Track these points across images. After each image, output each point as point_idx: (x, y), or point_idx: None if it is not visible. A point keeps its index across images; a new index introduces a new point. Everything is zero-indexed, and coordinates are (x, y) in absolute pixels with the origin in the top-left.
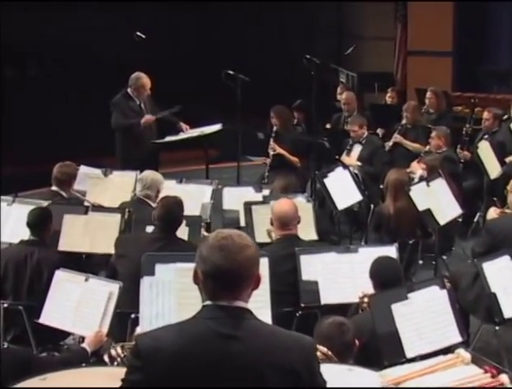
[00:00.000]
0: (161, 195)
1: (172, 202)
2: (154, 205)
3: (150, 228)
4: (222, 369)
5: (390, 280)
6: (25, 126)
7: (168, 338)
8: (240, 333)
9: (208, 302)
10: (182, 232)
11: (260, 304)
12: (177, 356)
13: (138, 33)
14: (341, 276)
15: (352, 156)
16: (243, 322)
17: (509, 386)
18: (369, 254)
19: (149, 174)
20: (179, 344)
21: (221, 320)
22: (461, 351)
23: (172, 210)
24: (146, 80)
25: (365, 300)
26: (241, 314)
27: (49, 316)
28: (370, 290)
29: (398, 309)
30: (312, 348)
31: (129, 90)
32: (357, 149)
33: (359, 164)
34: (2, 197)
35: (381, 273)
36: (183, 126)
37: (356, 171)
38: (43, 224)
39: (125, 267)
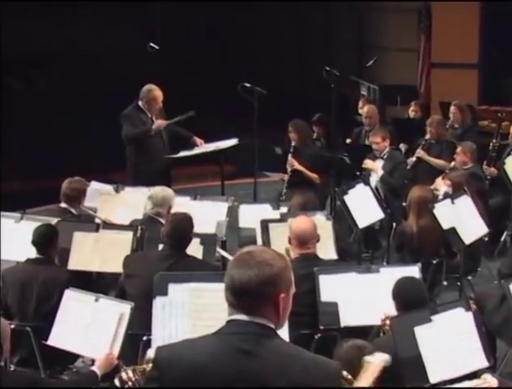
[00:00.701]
0: (174, 211)
1: (181, 218)
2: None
3: (162, 247)
4: (238, 386)
5: (414, 302)
6: (33, 139)
7: (187, 351)
8: (259, 350)
9: (231, 317)
10: (196, 251)
11: None
12: (194, 369)
13: (152, 44)
14: (362, 297)
15: (374, 177)
16: (264, 340)
17: None
18: (390, 274)
19: (159, 191)
20: (197, 357)
21: (242, 336)
22: (487, 376)
23: (181, 226)
24: (157, 93)
25: (387, 322)
26: (262, 331)
27: (58, 338)
28: (392, 312)
29: (421, 332)
30: (336, 374)
31: (140, 103)
32: (379, 164)
33: (381, 171)
34: (10, 214)
35: (404, 294)
36: (197, 140)
37: (376, 184)
38: (49, 242)
39: (134, 287)
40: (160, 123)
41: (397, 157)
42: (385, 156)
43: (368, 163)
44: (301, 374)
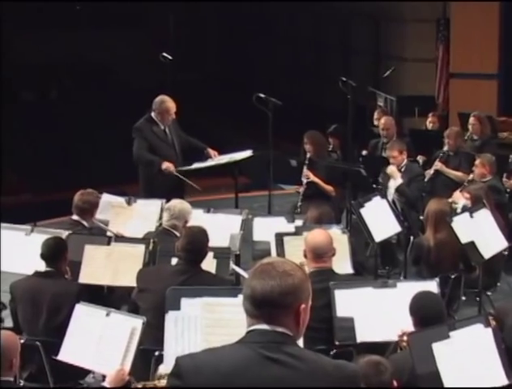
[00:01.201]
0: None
1: (196, 232)
2: None
3: (175, 261)
4: None
5: (432, 317)
6: (45, 151)
7: (209, 359)
8: (283, 357)
9: (251, 328)
10: (210, 265)
11: None
12: (219, 376)
13: (165, 54)
14: (378, 313)
15: (391, 185)
16: (286, 347)
17: None
18: (408, 289)
19: (177, 203)
20: (221, 365)
21: (264, 344)
22: None
23: (197, 240)
24: (170, 104)
25: (404, 338)
26: (283, 338)
27: (68, 352)
28: (410, 328)
29: (439, 348)
30: (356, 376)
31: (152, 114)
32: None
33: (401, 180)
34: (21, 226)
35: (422, 310)
36: (211, 152)
37: (393, 197)
38: (58, 255)
39: (147, 302)
40: (169, 166)
41: (414, 170)
42: (402, 169)
43: (391, 168)
44: (323, 377)
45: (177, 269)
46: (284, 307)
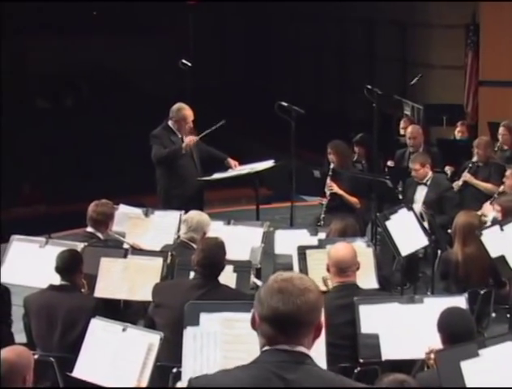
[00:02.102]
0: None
1: (213, 244)
2: None
3: (193, 274)
4: None
5: (461, 335)
6: (59, 160)
7: (224, 380)
8: (299, 377)
9: (267, 348)
10: (230, 279)
11: (315, 359)
12: None
13: (184, 61)
14: (404, 329)
15: (417, 199)
16: (303, 367)
17: None
18: (435, 304)
19: (195, 215)
20: (236, 386)
21: (281, 364)
22: None
23: (213, 253)
24: (188, 112)
25: (432, 356)
26: (302, 358)
27: (83, 369)
28: (437, 345)
29: (468, 366)
30: None
31: (170, 122)
32: (422, 192)
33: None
34: (35, 238)
35: (450, 326)
36: (231, 162)
37: (420, 209)
38: (73, 268)
39: (163, 318)
40: (190, 140)
41: (442, 183)
42: (428, 182)
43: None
44: None
45: (195, 283)
46: (309, 325)
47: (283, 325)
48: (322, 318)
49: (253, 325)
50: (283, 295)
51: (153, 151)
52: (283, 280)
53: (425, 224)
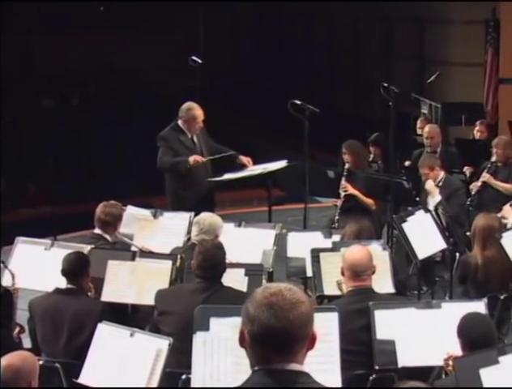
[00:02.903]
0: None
1: (210, 247)
2: None
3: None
4: None
5: (480, 341)
6: (66, 160)
7: None
8: None
9: (258, 367)
10: (241, 283)
11: (329, 365)
12: None
13: (194, 58)
14: (422, 335)
15: (430, 202)
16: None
17: None
18: (453, 310)
19: (207, 217)
20: None
21: (274, 387)
22: None
23: (212, 255)
24: (198, 111)
25: (450, 363)
26: (297, 379)
27: (90, 375)
28: (456, 351)
29: (487, 374)
30: None
31: (179, 122)
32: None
33: (439, 197)
34: (40, 240)
35: (470, 332)
36: (244, 159)
37: (438, 211)
38: (80, 272)
39: (168, 325)
40: (197, 159)
41: (454, 183)
42: (440, 184)
43: (429, 183)
44: None
45: (197, 287)
46: (304, 339)
47: (276, 343)
48: (315, 328)
49: (242, 343)
50: (274, 311)
51: (159, 154)
52: (273, 294)
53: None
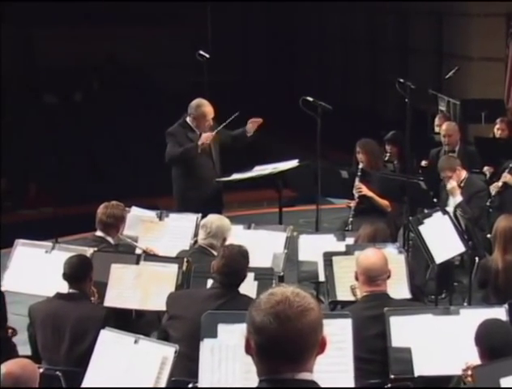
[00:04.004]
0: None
1: (235, 252)
2: None
3: (211, 283)
4: None
5: (500, 349)
6: (68, 159)
7: None
8: None
9: (265, 377)
10: (250, 287)
11: (342, 374)
12: None
13: (201, 52)
14: (439, 343)
15: (450, 203)
16: None
17: None
18: (472, 316)
19: (215, 220)
20: None
21: None
22: None
23: (235, 261)
24: (208, 109)
25: (469, 372)
26: (307, 386)
27: (92, 383)
28: (475, 360)
29: (508, 383)
30: None
31: (188, 119)
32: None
33: (460, 198)
34: (40, 243)
35: (489, 340)
36: (250, 127)
37: (456, 212)
38: (82, 276)
39: (178, 331)
40: (206, 137)
41: (476, 184)
42: (462, 184)
43: (452, 183)
44: None
45: (212, 293)
46: (314, 346)
47: (285, 353)
48: (325, 333)
49: (248, 350)
50: (281, 320)
51: (167, 149)
52: (279, 302)
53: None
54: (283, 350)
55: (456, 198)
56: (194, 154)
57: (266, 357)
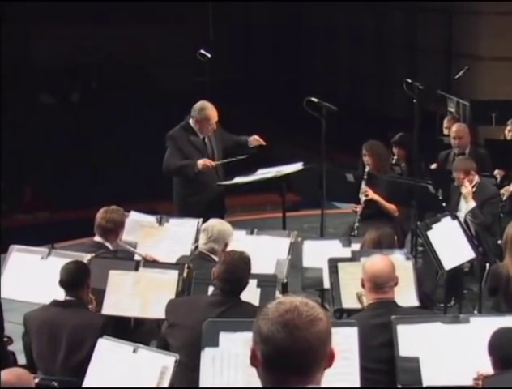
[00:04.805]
0: (229, 249)
1: (237, 258)
2: None
3: (212, 291)
4: None
5: None
6: (64, 162)
7: None
8: None
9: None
10: (253, 295)
11: (347, 384)
12: None
13: (203, 51)
14: (448, 352)
15: (462, 208)
16: None
17: None
18: (483, 325)
19: (216, 224)
20: None
21: None
22: None
23: (236, 267)
24: (211, 112)
25: (480, 383)
26: None
27: None
28: (487, 370)
29: None
30: None
31: (190, 121)
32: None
33: (473, 203)
34: (36, 248)
35: (502, 349)
36: (253, 139)
37: (465, 217)
38: (79, 282)
39: (178, 339)
40: (206, 163)
41: (488, 189)
42: (474, 189)
43: (466, 188)
44: None
45: (213, 300)
46: (323, 358)
47: (293, 364)
48: (333, 345)
49: (254, 362)
50: (290, 330)
51: (166, 156)
52: (288, 311)
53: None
54: (290, 361)
55: (470, 204)
56: (190, 173)
57: (272, 369)
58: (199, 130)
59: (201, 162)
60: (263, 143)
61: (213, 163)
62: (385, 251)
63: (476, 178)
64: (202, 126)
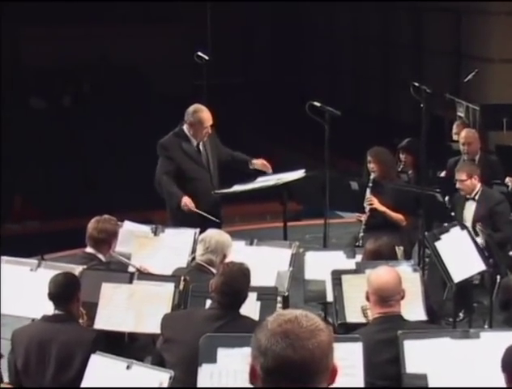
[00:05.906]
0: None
1: (235, 270)
2: None
3: (210, 304)
4: None
5: None
6: (55, 170)
7: None
8: None
9: None
10: (252, 308)
11: None
12: None
13: (200, 53)
14: (457, 369)
15: (467, 217)
16: None
17: None
18: (494, 340)
19: (214, 234)
20: None
21: None
22: None
23: (235, 280)
24: (205, 115)
25: None
26: None
27: None
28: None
29: None
30: None
31: (184, 127)
32: (471, 208)
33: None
34: (25, 260)
35: None
36: (258, 162)
37: (477, 228)
38: (69, 296)
39: (174, 355)
40: (188, 204)
41: (492, 196)
42: (476, 197)
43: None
44: None
45: (211, 314)
46: (324, 371)
47: (294, 377)
48: (336, 360)
49: (253, 380)
50: (290, 340)
51: (158, 168)
52: (288, 321)
53: (479, 240)
54: (291, 373)
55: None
56: (174, 204)
57: (272, 383)
58: (193, 135)
59: (184, 201)
60: (269, 169)
61: (193, 208)
62: (391, 263)
63: (478, 186)
64: (196, 130)
